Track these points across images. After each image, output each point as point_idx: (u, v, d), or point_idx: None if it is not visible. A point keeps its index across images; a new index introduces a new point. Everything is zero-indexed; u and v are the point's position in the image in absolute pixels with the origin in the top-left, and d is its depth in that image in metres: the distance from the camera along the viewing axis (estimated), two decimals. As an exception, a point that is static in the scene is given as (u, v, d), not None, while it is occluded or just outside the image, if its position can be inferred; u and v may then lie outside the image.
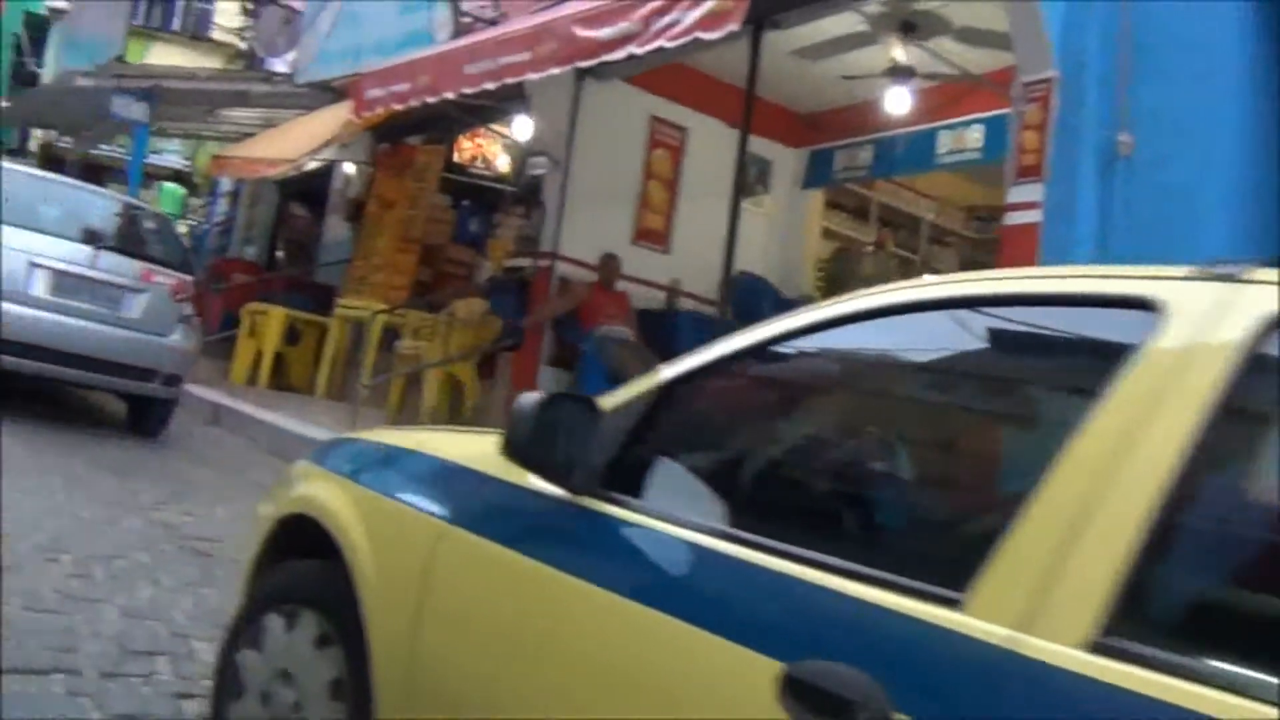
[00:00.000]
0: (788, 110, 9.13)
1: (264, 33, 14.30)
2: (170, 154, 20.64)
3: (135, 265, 6.95)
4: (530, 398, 1.78)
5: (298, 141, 10.12)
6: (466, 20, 8.45)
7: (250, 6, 17.54)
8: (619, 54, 4.98)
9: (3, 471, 5.20)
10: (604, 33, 5.02)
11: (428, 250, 10.72)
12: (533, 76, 5.63)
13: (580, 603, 1.65)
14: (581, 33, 5.18)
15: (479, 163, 12.16)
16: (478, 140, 12.03)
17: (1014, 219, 5.08)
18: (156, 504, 5.43)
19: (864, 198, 10.20)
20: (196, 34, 21.40)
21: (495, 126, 11.15)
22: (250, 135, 12.86)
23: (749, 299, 8.21)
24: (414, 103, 6.64)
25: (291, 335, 10.49)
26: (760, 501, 1.75)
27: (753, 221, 8.67)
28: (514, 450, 1.82)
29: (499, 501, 1.96)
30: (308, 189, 13.26)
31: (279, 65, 13.37)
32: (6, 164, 8.12)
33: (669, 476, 1.82)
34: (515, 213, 11.06)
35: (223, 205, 17.15)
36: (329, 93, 11.00)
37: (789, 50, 7.78)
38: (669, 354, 7.01)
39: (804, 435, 1.88)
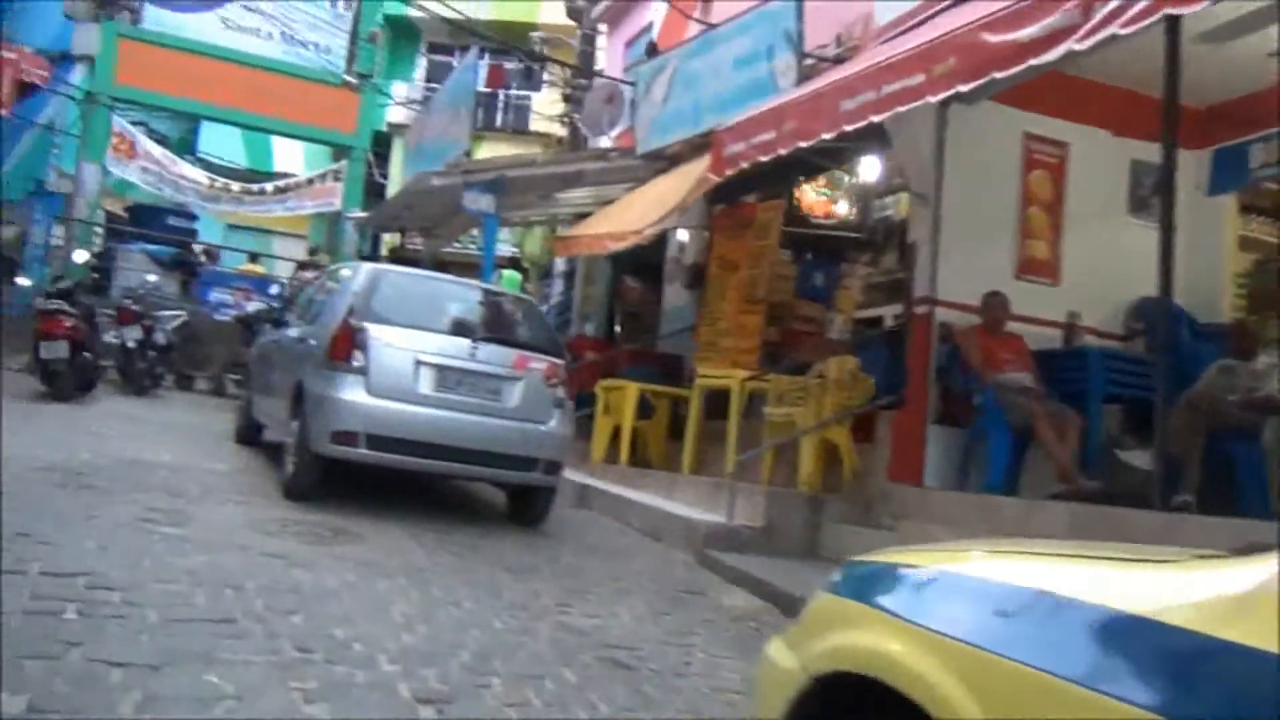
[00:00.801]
0: (1185, 106, 7.85)
1: (589, 112, 14.57)
2: (501, 243, 21.66)
3: (510, 354, 6.84)
4: None
5: (640, 213, 9.95)
6: (810, 63, 7.93)
7: (568, 92, 18.13)
8: (1051, 55, 4.14)
9: (411, 576, 5.07)
10: (1025, 33, 4.23)
11: (773, 308, 10.22)
12: (931, 99, 4.90)
13: None
14: (993, 38, 4.41)
15: (818, 212, 11.57)
16: (815, 189, 11.46)
17: None
18: (560, 606, 5.11)
19: (1286, 196, 8.66)
20: (518, 129, 22.54)
21: (837, 171, 10.52)
22: (584, 215, 12.98)
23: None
24: (782, 151, 6.08)
25: (643, 409, 10.27)
26: None
27: (1148, 239, 7.43)
28: None
29: (1263, 689, 1.24)
30: (641, 260, 13.18)
31: (603, 142, 13.50)
32: (381, 266, 8.38)
33: None
34: (861, 260, 10.37)
35: (559, 285, 17.61)
36: (661, 161, 10.85)
37: (1192, 35, 6.62)
38: (1076, 400, 5.83)
39: None
